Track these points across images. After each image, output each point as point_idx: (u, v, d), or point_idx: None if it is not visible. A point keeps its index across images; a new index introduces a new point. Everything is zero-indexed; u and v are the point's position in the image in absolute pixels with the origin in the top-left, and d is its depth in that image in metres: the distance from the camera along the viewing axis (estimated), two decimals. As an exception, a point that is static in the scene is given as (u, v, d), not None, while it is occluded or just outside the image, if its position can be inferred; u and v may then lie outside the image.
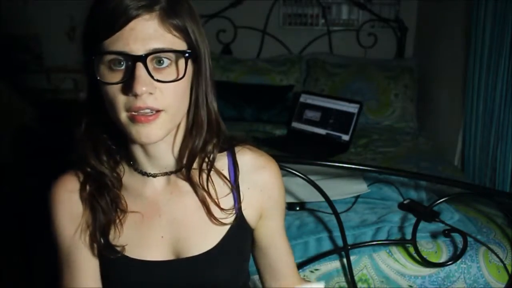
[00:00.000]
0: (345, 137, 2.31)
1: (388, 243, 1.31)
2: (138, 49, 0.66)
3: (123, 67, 0.68)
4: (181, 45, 0.71)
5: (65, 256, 0.81)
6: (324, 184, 1.27)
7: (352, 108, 2.34)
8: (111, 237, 0.79)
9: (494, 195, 1.37)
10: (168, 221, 0.81)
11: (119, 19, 0.66)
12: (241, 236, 0.85)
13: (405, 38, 3.01)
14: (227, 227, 0.82)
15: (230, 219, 0.81)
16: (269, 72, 2.83)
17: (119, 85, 0.68)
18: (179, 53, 0.70)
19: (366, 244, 1.29)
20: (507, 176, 1.81)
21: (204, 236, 0.81)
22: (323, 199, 1.24)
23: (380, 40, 3.03)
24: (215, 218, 0.80)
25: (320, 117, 2.42)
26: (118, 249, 0.79)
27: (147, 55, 0.67)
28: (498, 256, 1.29)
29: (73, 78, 2.99)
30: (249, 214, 0.84)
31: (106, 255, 0.80)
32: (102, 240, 0.79)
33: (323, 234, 1.35)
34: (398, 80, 2.68)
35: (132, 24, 0.66)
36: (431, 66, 2.75)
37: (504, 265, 1.29)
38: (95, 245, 0.80)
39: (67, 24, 2.89)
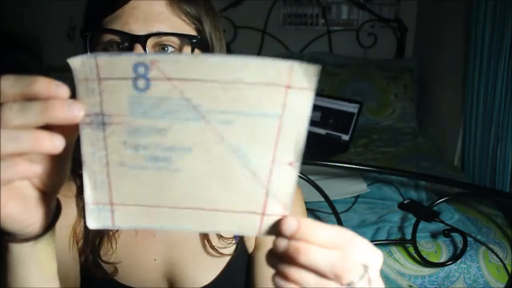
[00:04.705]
0: (345, 137, 2.31)
1: (388, 243, 1.31)
2: (139, 30, 0.59)
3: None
4: (190, 32, 0.62)
5: None
6: (324, 184, 1.27)
7: (352, 108, 2.34)
8: (102, 252, 0.70)
9: (494, 195, 1.37)
10: (163, 242, 0.72)
11: None
12: (242, 270, 0.75)
13: (405, 38, 3.01)
14: (227, 258, 0.73)
15: (230, 249, 0.72)
16: (269, 72, 2.82)
17: None
18: (184, 38, 0.61)
19: (366, 244, 1.29)
20: (507, 176, 1.81)
21: (200, 267, 0.72)
22: (323, 199, 1.24)
23: (380, 40, 3.02)
24: (212, 247, 0.71)
25: (320, 117, 2.42)
26: (109, 270, 0.69)
27: (148, 36, 0.59)
28: (498, 256, 1.29)
29: (73, 78, 2.98)
30: (251, 245, 0.76)
31: (94, 272, 0.69)
32: (91, 256, 0.69)
33: (323, 234, 1.34)
34: (398, 80, 2.68)
35: (135, 2, 0.59)
36: (431, 66, 2.75)
37: (504, 265, 1.29)
38: (82, 259, 0.70)
39: (67, 24, 2.89)
